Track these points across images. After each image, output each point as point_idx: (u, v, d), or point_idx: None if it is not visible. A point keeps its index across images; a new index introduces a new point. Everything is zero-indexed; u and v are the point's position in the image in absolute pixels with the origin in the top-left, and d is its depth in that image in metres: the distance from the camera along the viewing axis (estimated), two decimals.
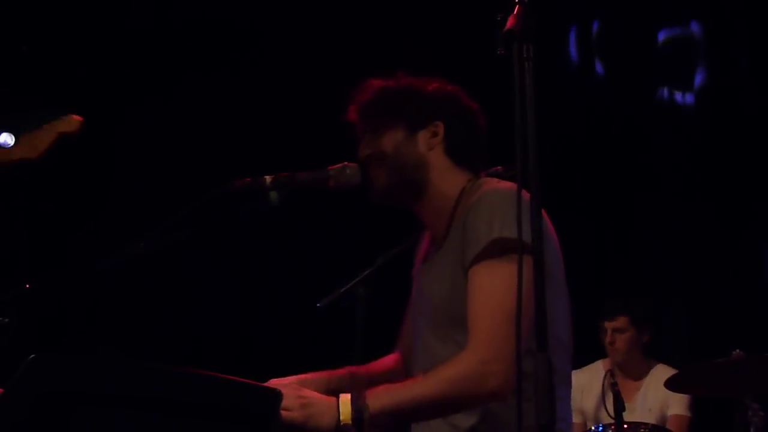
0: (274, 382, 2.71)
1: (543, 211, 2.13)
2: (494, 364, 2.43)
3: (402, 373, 2.90)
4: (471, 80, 2.87)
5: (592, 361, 5.60)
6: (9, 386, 1.72)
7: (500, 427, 2.55)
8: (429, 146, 2.76)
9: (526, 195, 2.04)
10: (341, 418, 2.42)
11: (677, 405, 5.29)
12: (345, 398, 2.44)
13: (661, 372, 5.30)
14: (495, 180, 2.75)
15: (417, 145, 2.75)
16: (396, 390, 2.50)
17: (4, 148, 3.52)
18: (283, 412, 2.34)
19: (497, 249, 2.50)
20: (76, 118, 3.63)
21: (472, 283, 2.54)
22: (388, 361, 3.01)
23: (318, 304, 3.86)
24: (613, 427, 4.50)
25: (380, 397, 2.44)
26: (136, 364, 1.89)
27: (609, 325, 5.40)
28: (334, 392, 2.78)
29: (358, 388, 2.49)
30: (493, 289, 2.48)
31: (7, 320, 2.31)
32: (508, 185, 2.66)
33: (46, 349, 1.78)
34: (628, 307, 5.40)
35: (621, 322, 5.38)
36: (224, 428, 1.92)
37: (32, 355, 1.71)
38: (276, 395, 2.08)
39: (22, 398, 1.71)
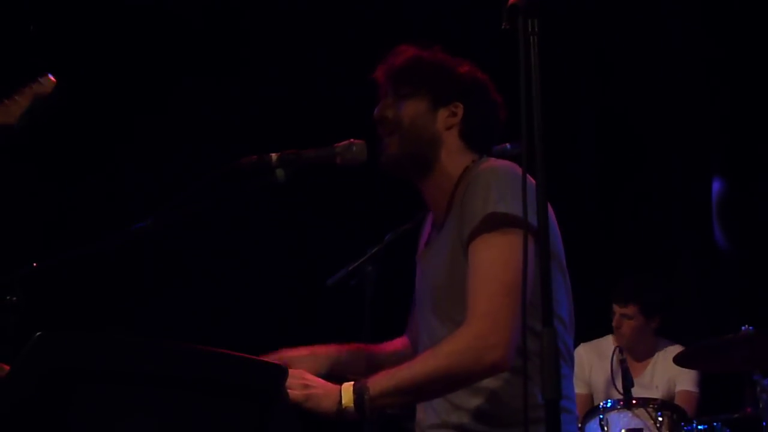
0: (285, 353, 2.72)
1: (532, 182, 2.13)
2: (491, 337, 2.42)
3: (410, 357, 2.89)
4: (475, 54, 2.86)
5: (597, 334, 5.59)
6: (16, 364, 1.73)
7: (502, 406, 2.54)
8: (446, 125, 2.74)
9: (521, 172, 2.05)
10: (343, 402, 2.42)
11: (685, 381, 5.29)
12: (347, 384, 2.45)
13: (670, 351, 5.29)
14: (494, 159, 2.75)
15: (435, 121, 2.74)
16: (395, 371, 2.49)
17: None
18: (287, 391, 2.34)
19: (493, 223, 2.49)
20: (50, 78, 3.60)
21: (470, 259, 2.53)
22: (397, 343, 3.02)
23: (327, 282, 3.87)
24: (621, 402, 4.51)
25: (380, 380, 2.45)
26: (143, 340, 1.89)
27: (618, 310, 5.36)
28: (344, 366, 2.80)
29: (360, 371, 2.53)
30: (490, 263, 2.48)
31: (15, 299, 2.32)
32: (506, 163, 2.66)
33: (53, 328, 1.78)
34: (639, 295, 5.33)
35: (630, 309, 5.33)
36: (230, 403, 1.92)
37: (38, 333, 1.72)
38: (281, 370, 2.09)
39: (29, 375, 1.72)
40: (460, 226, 2.58)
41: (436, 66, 2.78)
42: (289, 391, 2.35)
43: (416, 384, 2.46)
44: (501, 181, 2.54)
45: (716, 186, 6.03)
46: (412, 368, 2.49)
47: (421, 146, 2.73)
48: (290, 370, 2.33)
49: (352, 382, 2.45)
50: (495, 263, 2.47)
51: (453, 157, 2.74)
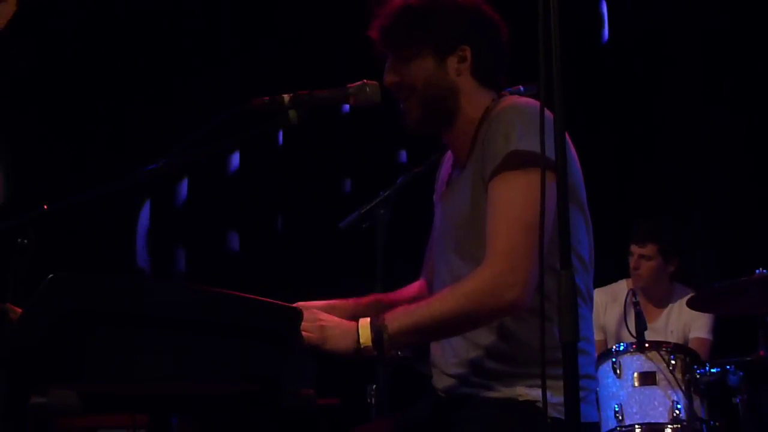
0: (300, 305, 2.71)
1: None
2: (510, 276, 2.40)
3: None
4: None
5: (612, 279, 5.58)
6: (28, 305, 1.72)
7: (520, 346, 2.54)
8: (458, 72, 2.69)
9: (548, 114, 2.01)
10: (361, 340, 2.41)
11: (699, 328, 5.28)
12: (364, 321, 2.43)
13: (686, 299, 5.27)
14: (515, 96, 2.71)
15: (447, 73, 2.68)
16: (414, 309, 2.48)
17: None
18: (302, 334, 2.31)
19: (515, 161, 2.47)
20: None
21: (490, 196, 2.51)
22: (413, 288, 3.00)
23: (339, 225, 3.86)
24: (634, 345, 4.50)
25: (399, 318, 2.44)
26: (156, 282, 1.88)
27: (636, 251, 5.34)
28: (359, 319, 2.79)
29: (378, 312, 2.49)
30: (510, 201, 2.45)
31: (26, 241, 2.30)
32: (528, 100, 2.62)
33: (64, 270, 1.77)
34: (658, 235, 5.31)
35: (649, 249, 5.31)
36: (245, 345, 1.91)
37: (51, 275, 1.70)
38: (296, 313, 2.08)
39: (42, 317, 1.71)
40: (482, 164, 2.55)
41: (428, 13, 2.69)
42: (305, 333, 2.33)
43: (435, 322, 2.45)
44: (524, 118, 2.51)
45: None
46: (431, 306, 2.47)
47: (440, 102, 2.69)
48: (304, 312, 2.31)
49: (369, 319, 2.43)
50: (515, 202, 2.45)
51: (472, 99, 2.70)
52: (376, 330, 2.41)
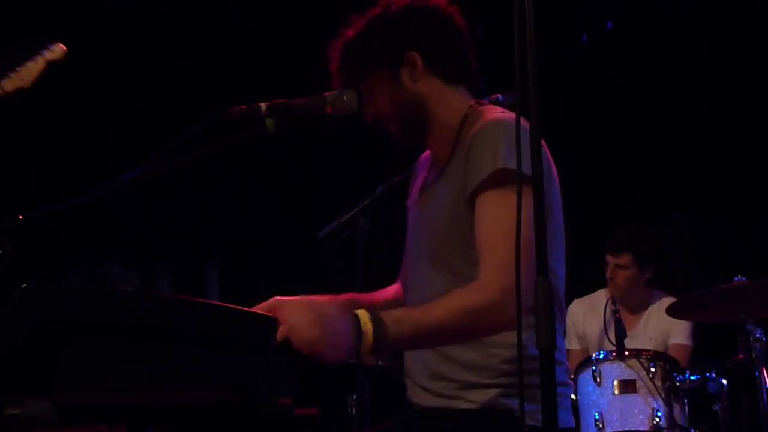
0: (276, 300, 2.61)
1: (543, 143, 2.10)
2: (507, 300, 2.28)
3: (403, 304, 2.87)
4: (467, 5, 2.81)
5: (590, 290, 5.61)
6: (1, 315, 1.70)
7: (491, 356, 2.54)
8: (413, 79, 2.68)
9: (525, 123, 1.99)
10: (362, 348, 2.22)
11: (678, 334, 5.31)
12: (366, 328, 2.23)
13: (664, 303, 5.31)
14: (497, 108, 2.70)
15: (404, 86, 2.68)
16: (415, 316, 2.33)
17: None
18: (296, 332, 2.13)
19: (503, 179, 2.45)
20: (62, 46, 3.77)
21: (480, 210, 2.49)
22: (390, 291, 2.99)
23: (318, 234, 3.86)
24: (614, 353, 4.51)
25: (399, 323, 2.28)
26: (131, 292, 1.88)
27: (612, 260, 5.40)
28: None
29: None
30: (505, 218, 2.40)
31: (1, 252, 2.30)
32: (512, 115, 2.60)
33: (39, 280, 1.75)
34: (633, 245, 5.37)
35: (624, 259, 5.37)
36: (219, 354, 1.90)
37: (24, 284, 1.69)
38: (271, 321, 2.06)
39: (16, 327, 1.69)
40: (464, 176, 2.54)
41: (364, 40, 2.69)
42: (305, 327, 2.15)
43: (434, 333, 2.34)
44: (508, 135, 2.47)
45: None
46: (430, 316, 2.33)
47: (411, 115, 2.70)
48: (298, 302, 2.20)
49: (370, 325, 2.24)
50: (510, 219, 2.39)
51: (441, 101, 2.70)
52: (376, 323, 2.24)
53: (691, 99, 6.10)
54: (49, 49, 3.83)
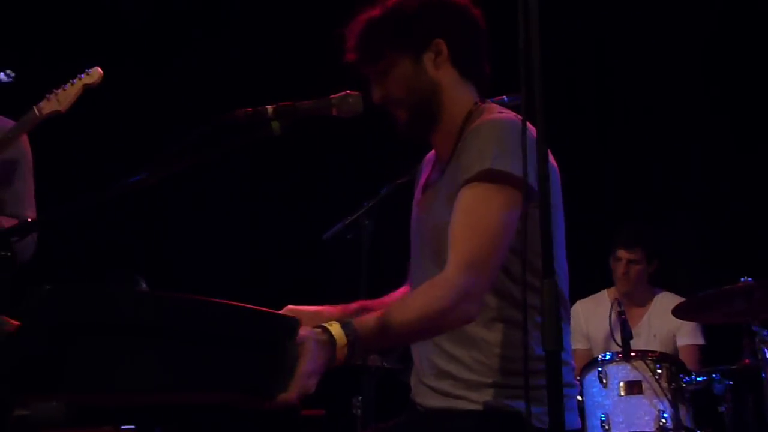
0: (289, 308, 2.69)
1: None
2: (473, 291, 2.38)
3: None
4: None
5: (593, 290, 5.62)
6: (25, 317, 1.71)
7: (497, 357, 2.54)
8: (437, 66, 2.69)
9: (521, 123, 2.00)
10: (338, 356, 2.23)
11: (687, 335, 5.33)
12: (335, 328, 2.25)
13: (667, 300, 5.33)
14: (497, 108, 2.70)
15: (425, 71, 2.69)
16: (381, 314, 2.36)
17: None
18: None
19: (488, 178, 2.46)
20: (99, 70, 3.93)
21: (456, 205, 2.49)
22: (399, 294, 2.99)
23: (323, 236, 3.86)
24: (620, 355, 4.51)
25: (366, 321, 2.32)
26: (151, 293, 1.88)
27: (625, 255, 5.43)
28: None
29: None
30: (479, 213, 2.44)
31: (9, 254, 2.30)
32: (510, 115, 2.60)
33: (53, 282, 1.76)
34: (645, 239, 5.46)
35: (638, 253, 5.44)
36: (240, 355, 1.91)
37: (47, 286, 1.70)
38: (294, 322, 2.07)
39: (39, 328, 1.70)
40: (458, 174, 2.55)
41: (394, 19, 2.69)
42: None
43: (398, 328, 2.35)
44: (502, 136, 2.50)
45: None
46: (394, 312, 2.37)
47: (424, 103, 2.69)
48: None
49: (337, 323, 2.27)
50: (485, 214, 2.44)
51: (453, 94, 2.70)
52: (350, 334, 2.26)
53: (698, 98, 6.09)
54: (87, 74, 4.04)
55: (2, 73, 3.98)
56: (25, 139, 4.09)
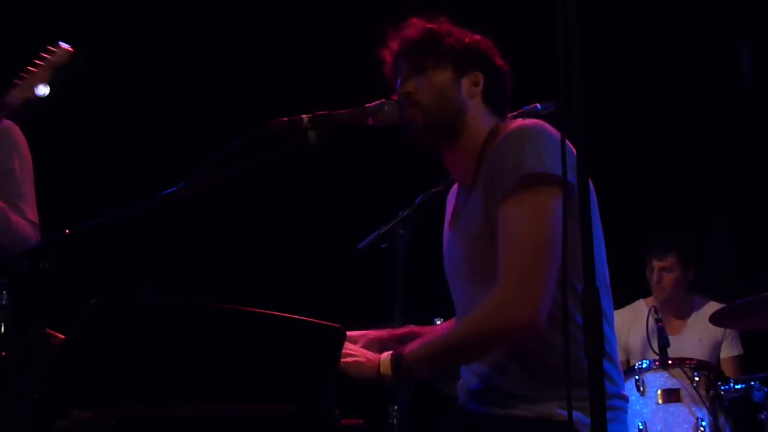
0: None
1: (570, 145, 2.11)
2: (520, 300, 2.43)
3: None
4: (505, 12, 2.82)
5: (629, 299, 5.58)
6: (73, 331, 1.72)
7: (547, 367, 2.53)
8: (470, 94, 2.74)
9: (554, 131, 2.02)
10: (381, 369, 2.49)
11: (730, 347, 5.30)
12: (386, 354, 2.53)
13: (709, 307, 5.27)
14: (519, 119, 2.75)
15: (459, 91, 2.73)
16: (431, 340, 2.59)
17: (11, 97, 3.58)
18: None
19: (523, 184, 2.48)
20: (64, 47, 3.61)
21: (499, 220, 2.52)
22: (448, 325, 3.01)
23: (358, 246, 3.85)
24: (657, 362, 4.48)
25: (416, 349, 2.52)
26: (197, 304, 1.88)
27: (657, 264, 5.38)
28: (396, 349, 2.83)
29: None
30: (519, 223, 2.48)
31: (48, 266, 2.31)
32: (534, 121, 2.65)
33: (87, 295, 1.77)
34: (677, 246, 5.39)
35: (670, 261, 5.38)
36: (289, 365, 1.92)
37: (94, 300, 1.71)
38: (340, 332, 2.09)
39: (88, 342, 1.71)
40: (492, 188, 2.56)
41: (452, 37, 2.77)
42: None
43: (449, 351, 2.54)
44: (533, 139, 2.53)
45: None
46: (446, 336, 2.58)
47: (448, 116, 2.71)
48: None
49: (391, 352, 2.51)
50: (525, 223, 2.47)
51: (478, 121, 2.74)
52: (396, 361, 2.49)
53: (732, 101, 6.04)
54: (53, 52, 3.66)
55: None
56: (19, 135, 3.84)
